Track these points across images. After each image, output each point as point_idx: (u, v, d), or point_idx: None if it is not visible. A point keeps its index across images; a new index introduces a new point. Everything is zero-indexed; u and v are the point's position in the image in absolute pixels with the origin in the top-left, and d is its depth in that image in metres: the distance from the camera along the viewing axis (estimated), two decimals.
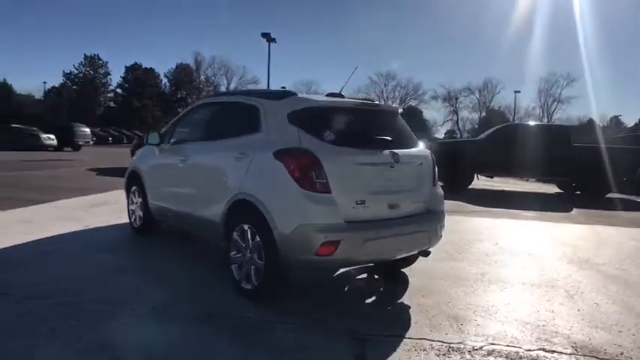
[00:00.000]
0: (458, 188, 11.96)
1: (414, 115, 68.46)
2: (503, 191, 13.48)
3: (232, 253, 3.66)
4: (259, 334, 2.98)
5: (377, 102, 3.98)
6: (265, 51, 30.88)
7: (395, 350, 2.83)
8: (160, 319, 3.14)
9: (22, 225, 5.66)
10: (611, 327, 3.34)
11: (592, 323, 3.40)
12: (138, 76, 67.50)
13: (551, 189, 14.27)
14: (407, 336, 3.04)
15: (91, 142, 30.25)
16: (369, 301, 3.76)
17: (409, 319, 3.33)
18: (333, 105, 3.73)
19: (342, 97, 4.04)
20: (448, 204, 9.25)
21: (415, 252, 3.86)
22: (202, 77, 68.11)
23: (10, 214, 6.32)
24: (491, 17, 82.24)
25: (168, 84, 70.51)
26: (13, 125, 27.84)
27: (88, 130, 29.45)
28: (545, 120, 60.32)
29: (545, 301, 3.80)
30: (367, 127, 3.70)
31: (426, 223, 3.72)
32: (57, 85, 64.82)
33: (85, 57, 66.29)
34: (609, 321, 3.45)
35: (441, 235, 3.92)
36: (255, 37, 30.53)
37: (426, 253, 4.08)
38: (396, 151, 3.53)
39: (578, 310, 3.66)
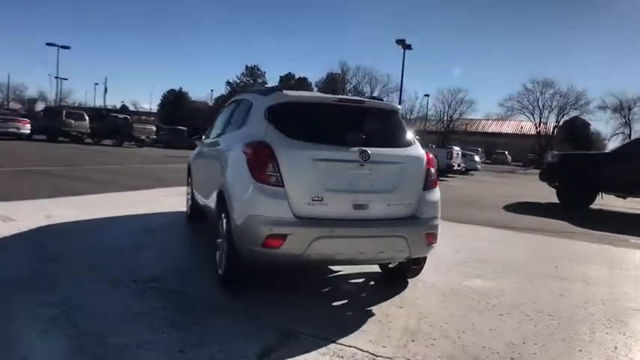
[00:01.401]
0: (575, 206, 10.51)
1: (575, 128, 61.04)
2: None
3: (218, 241, 3.86)
4: (192, 315, 3.10)
5: (364, 99, 3.81)
6: (412, 59, 30.79)
7: (309, 351, 2.71)
8: (128, 289, 3.47)
9: (107, 205, 6.66)
10: None
11: None
12: (291, 86, 72.64)
13: None
14: (338, 341, 2.87)
15: None
16: (337, 303, 3.61)
17: (360, 326, 3.13)
18: (309, 101, 3.71)
19: (335, 93, 3.96)
20: (544, 222, 8.39)
21: (395, 259, 3.61)
22: (350, 86, 70.01)
23: (104, 196, 7.49)
24: None
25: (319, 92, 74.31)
26: (177, 127, 32.52)
27: None
28: None
29: (546, 335, 3.22)
30: (342, 123, 3.57)
31: (404, 229, 3.44)
32: (224, 92, 72.91)
33: (247, 68, 73.67)
34: None
35: (429, 245, 3.58)
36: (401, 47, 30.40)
37: (416, 262, 3.79)
38: (366, 149, 3.35)
39: (580, 350, 3.03)
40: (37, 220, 5.31)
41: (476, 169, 27.75)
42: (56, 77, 48.02)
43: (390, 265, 4.14)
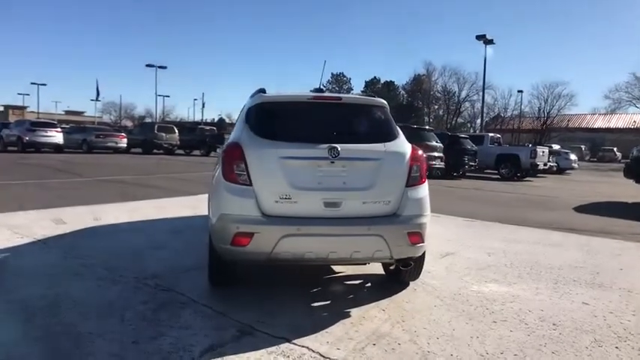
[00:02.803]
0: None
1: None
2: None
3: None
4: (167, 310, 3.22)
5: (341, 95, 3.71)
6: (502, 53, 29.38)
7: (257, 349, 2.70)
8: (125, 285, 3.69)
9: (156, 209, 7.15)
10: None
11: None
12: (376, 90, 72.35)
13: None
14: (293, 341, 2.82)
15: None
16: (317, 304, 3.52)
17: (326, 327, 3.04)
18: (282, 100, 3.67)
19: (322, 91, 3.91)
20: (615, 223, 7.52)
21: (376, 259, 3.46)
22: (437, 86, 67.77)
23: (159, 201, 8.04)
24: None
25: (405, 95, 73.13)
26: None
27: None
28: None
29: (535, 346, 2.87)
30: (316, 121, 3.51)
31: (382, 228, 3.28)
32: None
33: (332, 75, 74.73)
34: None
35: (413, 244, 3.36)
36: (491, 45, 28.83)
37: (404, 263, 3.59)
38: (336, 145, 3.26)
39: None
40: (84, 223, 5.87)
41: (571, 168, 25.51)
42: (157, 95, 52.37)
43: (390, 267, 3.98)
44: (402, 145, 3.54)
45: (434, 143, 14.97)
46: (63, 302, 3.30)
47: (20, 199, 7.77)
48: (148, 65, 46.40)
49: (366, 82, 73.25)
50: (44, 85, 63.95)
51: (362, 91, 72.93)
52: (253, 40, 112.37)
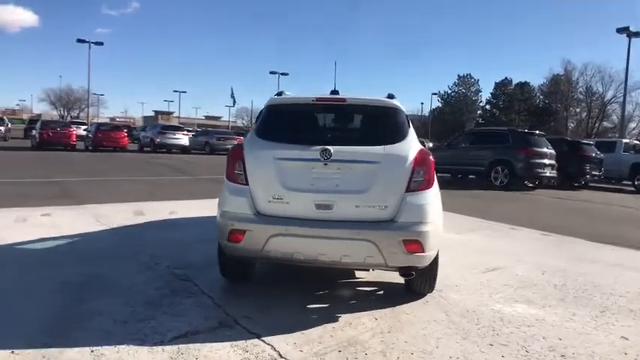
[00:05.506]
0: None
1: None
2: None
3: None
4: (172, 297, 3.49)
5: (346, 97, 3.56)
6: None
7: (224, 341, 2.81)
8: (154, 272, 4.07)
9: (209, 208, 7.66)
10: None
11: None
12: (507, 92, 67.60)
13: None
14: (263, 337, 2.88)
15: None
16: (313, 305, 3.49)
17: (304, 329, 3.02)
18: (287, 102, 3.71)
19: (337, 93, 3.87)
20: None
21: (367, 265, 3.34)
22: (579, 87, 60.87)
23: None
24: None
25: (542, 97, 67.08)
26: None
27: None
28: None
29: None
30: (318, 122, 3.51)
31: (372, 233, 3.16)
32: (439, 105, 71.82)
33: (459, 77, 71.39)
34: None
35: (410, 253, 3.17)
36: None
37: (404, 273, 3.41)
38: (329, 147, 3.23)
39: None
40: (159, 216, 6.56)
41: None
42: None
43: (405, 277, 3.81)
44: (406, 148, 3.37)
45: (544, 149, 13.55)
46: (93, 281, 3.77)
47: (125, 192, 8.91)
48: (271, 72, 49.42)
49: (495, 83, 68.48)
50: (184, 92, 71.25)
51: (491, 94, 68.75)
52: (371, 41, 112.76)
